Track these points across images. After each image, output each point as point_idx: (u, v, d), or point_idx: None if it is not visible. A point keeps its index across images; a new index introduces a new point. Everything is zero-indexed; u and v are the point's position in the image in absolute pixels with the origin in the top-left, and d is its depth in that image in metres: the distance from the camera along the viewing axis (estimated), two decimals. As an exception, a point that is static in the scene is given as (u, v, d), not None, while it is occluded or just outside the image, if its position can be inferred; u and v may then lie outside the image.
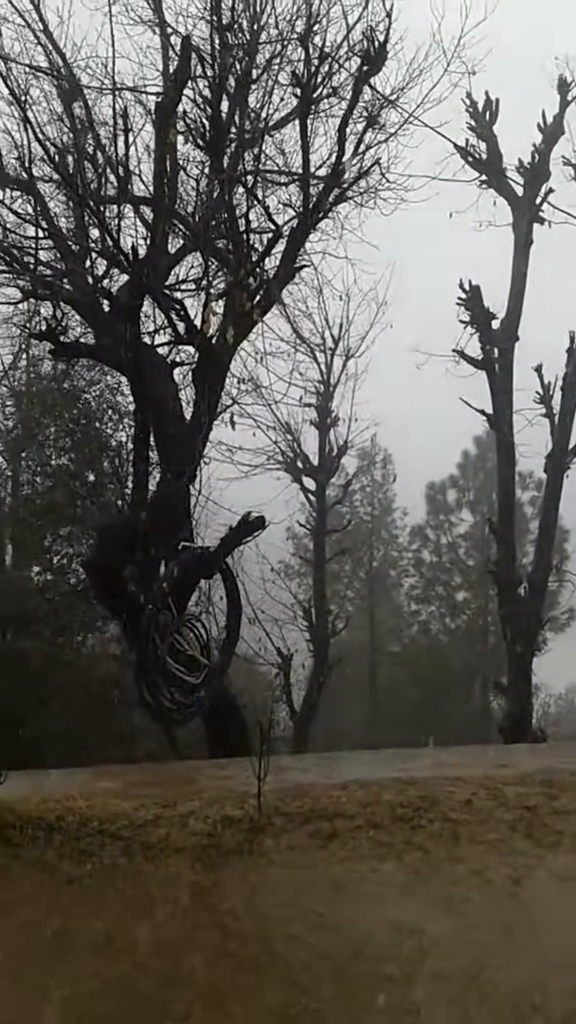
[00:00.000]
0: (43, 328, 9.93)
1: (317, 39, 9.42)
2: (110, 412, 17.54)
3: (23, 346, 15.56)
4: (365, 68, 9.45)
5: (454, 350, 15.16)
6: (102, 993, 3.76)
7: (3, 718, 12.43)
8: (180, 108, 9.35)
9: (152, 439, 9.69)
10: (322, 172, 9.99)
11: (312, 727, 19.00)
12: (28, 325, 11.43)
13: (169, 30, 10.01)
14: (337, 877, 4.73)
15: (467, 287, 14.99)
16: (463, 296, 14.99)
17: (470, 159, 14.98)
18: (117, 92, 9.02)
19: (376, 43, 9.37)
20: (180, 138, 9.38)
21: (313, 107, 9.63)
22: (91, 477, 17.74)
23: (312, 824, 5.20)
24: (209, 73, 9.40)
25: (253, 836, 5.10)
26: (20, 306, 11.09)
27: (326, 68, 9.50)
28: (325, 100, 9.81)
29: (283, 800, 5.54)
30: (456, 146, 14.45)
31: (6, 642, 14.76)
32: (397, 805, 5.39)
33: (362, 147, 9.89)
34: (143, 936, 4.17)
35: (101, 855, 4.90)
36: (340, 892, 4.60)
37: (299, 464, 20.45)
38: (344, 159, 9.70)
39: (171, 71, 9.81)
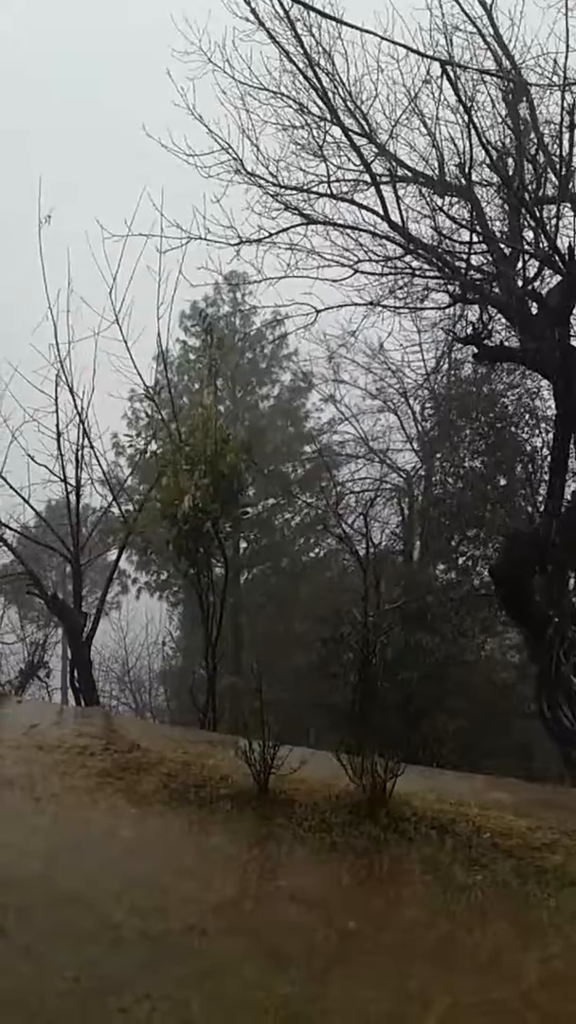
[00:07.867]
0: (468, 332, 10.08)
1: None
2: (527, 417, 17.25)
3: (446, 350, 15.92)
4: None
5: None
6: (481, 1013, 3.65)
7: (403, 710, 12.82)
8: None
9: (573, 447, 9.33)
10: None
11: None
12: (454, 329, 11.67)
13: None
14: None
15: None
16: None
17: None
18: (567, 88, 8.74)
19: None
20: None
21: None
22: (503, 482, 17.60)
23: None
24: None
25: None
26: (447, 310, 11.40)
27: None
28: None
29: None
30: None
31: (409, 635, 15.19)
32: None
33: None
34: (532, 965, 3.98)
35: (493, 869, 4.80)
36: None
37: None
38: None
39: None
